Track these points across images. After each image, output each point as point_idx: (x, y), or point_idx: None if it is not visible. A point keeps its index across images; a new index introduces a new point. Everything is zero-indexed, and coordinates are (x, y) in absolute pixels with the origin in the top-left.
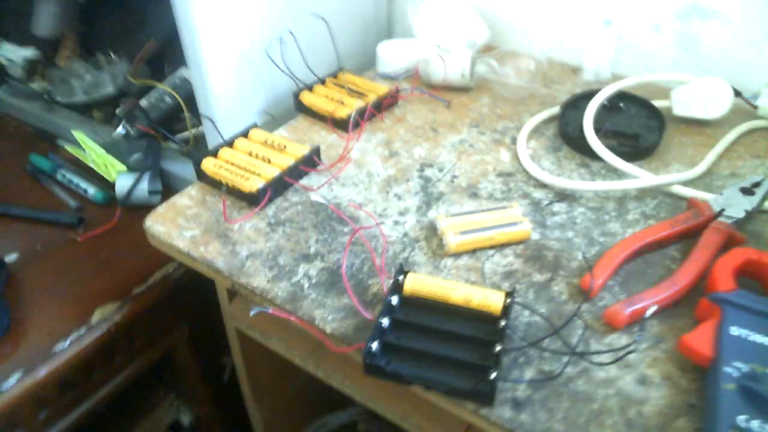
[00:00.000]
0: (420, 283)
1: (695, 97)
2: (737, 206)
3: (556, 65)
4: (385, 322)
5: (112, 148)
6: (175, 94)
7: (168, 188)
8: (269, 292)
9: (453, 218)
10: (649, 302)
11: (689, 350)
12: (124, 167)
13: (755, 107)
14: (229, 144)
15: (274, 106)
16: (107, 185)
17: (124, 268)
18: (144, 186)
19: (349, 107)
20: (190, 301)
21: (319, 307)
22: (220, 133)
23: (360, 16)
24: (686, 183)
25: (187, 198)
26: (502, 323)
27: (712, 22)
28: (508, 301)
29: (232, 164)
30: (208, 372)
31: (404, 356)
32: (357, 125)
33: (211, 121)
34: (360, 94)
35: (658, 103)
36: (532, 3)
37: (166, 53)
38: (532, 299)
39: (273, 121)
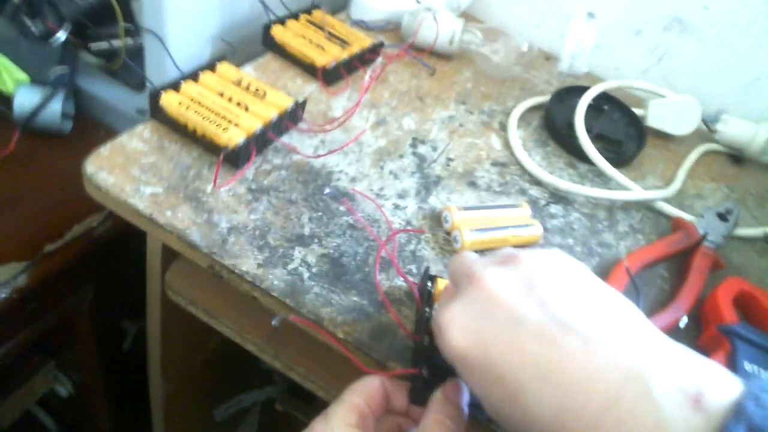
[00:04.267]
0: None
1: (669, 112)
2: (716, 231)
3: (533, 50)
4: (426, 340)
5: (6, 47)
6: None
7: (79, 112)
8: (262, 280)
9: (464, 212)
10: (661, 326)
11: None
12: (25, 76)
13: (713, 131)
14: (193, 77)
15: (230, 32)
16: None
17: (29, 214)
18: (56, 107)
19: (331, 55)
20: (105, 260)
21: (326, 305)
22: (171, 56)
23: None
24: (666, 200)
25: (139, 140)
26: None
27: (689, 39)
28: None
29: (201, 105)
30: (105, 338)
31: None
32: (341, 79)
33: (159, 39)
34: (342, 42)
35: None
36: None
37: None
38: None
39: (233, 53)
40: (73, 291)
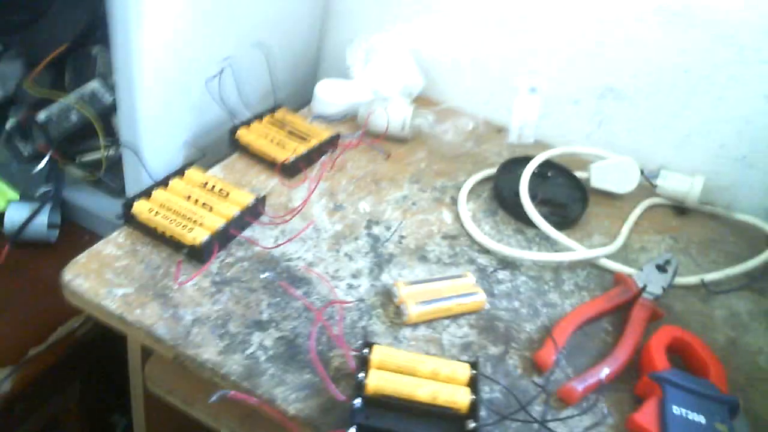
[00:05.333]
0: (386, 355)
1: (611, 173)
2: (655, 283)
3: (482, 124)
4: (358, 402)
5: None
6: (87, 112)
7: (66, 222)
8: (222, 366)
9: (411, 286)
10: (597, 378)
11: (638, 428)
12: (15, 195)
13: (654, 186)
14: (164, 184)
15: (201, 137)
16: None
17: (15, 320)
18: (43, 219)
19: (290, 151)
20: (89, 359)
21: (280, 384)
22: (145, 167)
23: (293, 50)
24: (609, 256)
25: (114, 246)
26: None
27: (622, 104)
28: (474, 372)
29: (169, 209)
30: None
31: None
32: (299, 172)
33: (135, 152)
34: (301, 138)
35: (576, 174)
36: (463, 60)
37: (70, 60)
38: (491, 373)
39: (203, 156)
40: (60, 390)
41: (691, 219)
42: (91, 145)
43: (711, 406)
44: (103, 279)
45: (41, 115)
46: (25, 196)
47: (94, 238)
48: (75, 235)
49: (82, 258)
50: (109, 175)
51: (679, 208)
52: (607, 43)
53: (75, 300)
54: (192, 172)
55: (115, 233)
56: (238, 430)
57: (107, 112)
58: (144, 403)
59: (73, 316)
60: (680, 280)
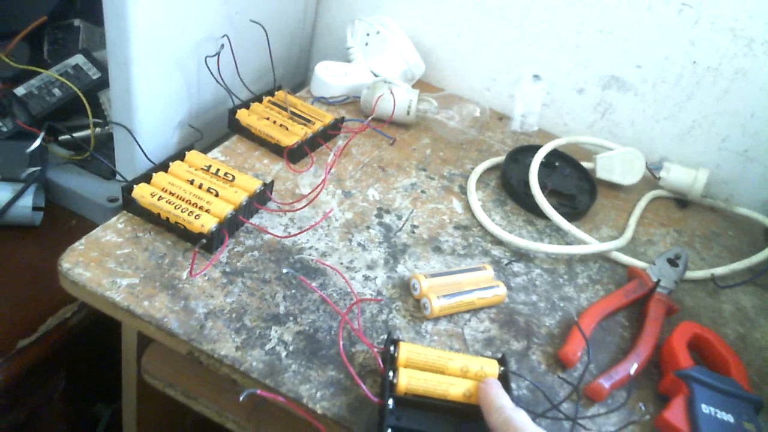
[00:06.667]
0: (413, 353)
1: (616, 164)
2: (668, 277)
3: (485, 111)
4: (391, 403)
5: None
6: (74, 86)
7: (51, 204)
8: (242, 363)
9: (431, 279)
10: (623, 374)
11: (669, 427)
12: None
13: (658, 178)
14: (164, 167)
15: (196, 117)
16: None
17: (0, 309)
18: (27, 202)
19: (296, 135)
20: (78, 349)
21: (304, 382)
22: (141, 147)
23: (289, 29)
24: (619, 249)
25: (113, 233)
26: None
27: (627, 94)
28: (502, 369)
29: (172, 194)
30: (78, 424)
31: None
32: (304, 156)
33: (129, 131)
34: (305, 120)
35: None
36: (464, 45)
37: (48, 32)
38: (516, 369)
39: (200, 138)
40: (45, 381)
41: (693, 212)
42: (76, 123)
43: (737, 405)
44: (105, 268)
45: (20, 89)
46: (6, 177)
47: (81, 221)
48: (60, 218)
49: (79, 245)
50: (98, 156)
51: (681, 201)
52: (614, 32)
53: (75, 290)
54: (193, 155)
55: (113, 219)
56: (245, 425)
57: (92, 88)
58: (136, 394)
59: (63, 304)
60: (689, 274)
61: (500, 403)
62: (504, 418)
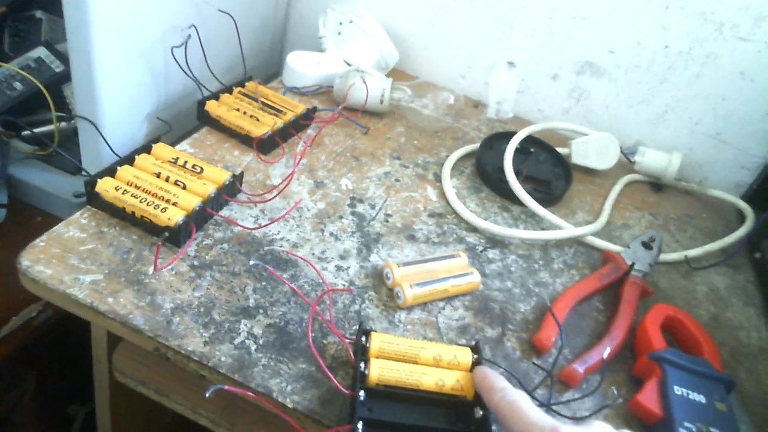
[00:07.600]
0: (385, 343)
1: (591, 149)
2: (643, 260)
3: (459, 99)
4: (362, 395)
5: None
6: (35, 80)
7: (13, 200)
8: (209, 358)
9: (404, 267)
10: (597, 359)
11: (642, 409)
12: None
13: (633, 162)
14: (129, 160)
15: (165, 110)
16: None
17: None
18: None
19: (266, 125)
20: (47, 349)
21: (274, 376)
22: (106, 141)
23: (260, 19)
24: (595, 233)
25: (76, 228)
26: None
27: (601, 80)
28: (476, 356)
29: (138, 188)
30: (51, 426)
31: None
32: (276, 147)
33: (93, 124)
34: (276, 111)
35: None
36: (438, 32)
37: (10, 24)
38: (490, 356)
39: (168, 130)
40: (15, 383)
41: (667, 195)
42: (41, 117)
43: (709, 385)
44: (67, 265)
45: None
46: None
47: (46, 218)
48: (24, 215)
49: (40, 242)
50: (61, 151)
51: (656, 185)
52: (587, 18)
53: (36, 289)
54: (160, 148)
55: (77, 214)
56: (219, 421)
57: (56, 82)
58: (109, 393)
59: (28, 303)
60: (663, 256)
61: (502, 384)
62: (509, 400)
